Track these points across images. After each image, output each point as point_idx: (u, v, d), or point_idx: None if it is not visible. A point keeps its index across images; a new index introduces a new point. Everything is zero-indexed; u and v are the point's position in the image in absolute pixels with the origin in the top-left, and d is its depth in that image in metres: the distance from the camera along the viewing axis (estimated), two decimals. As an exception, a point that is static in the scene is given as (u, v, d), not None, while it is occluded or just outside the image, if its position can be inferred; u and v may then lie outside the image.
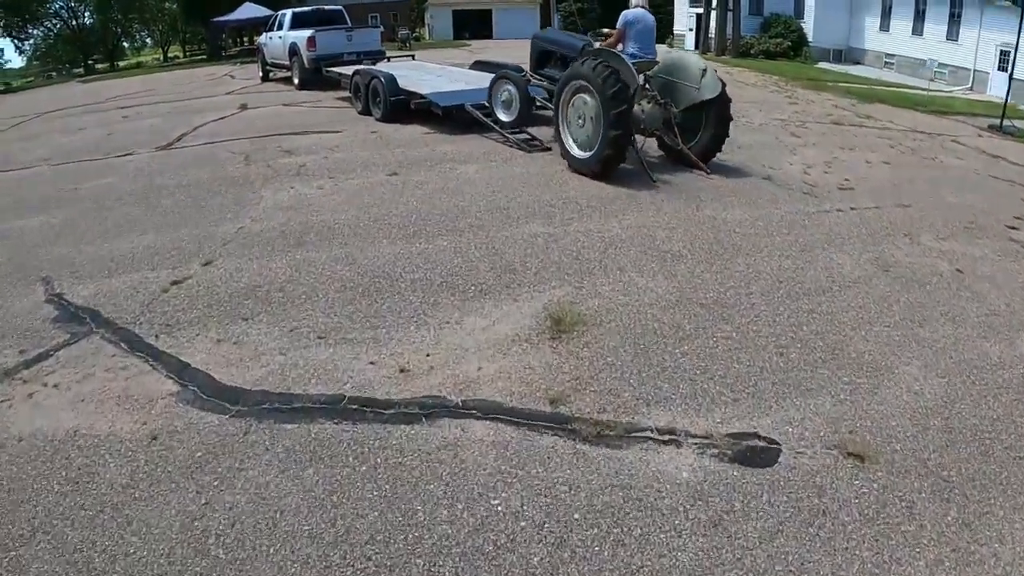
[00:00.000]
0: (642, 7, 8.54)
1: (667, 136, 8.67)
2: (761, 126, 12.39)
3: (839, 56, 32.25)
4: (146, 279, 5.68)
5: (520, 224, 6.67)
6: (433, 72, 14.02)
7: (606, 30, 9.58)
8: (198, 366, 4.31)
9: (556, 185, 7.86)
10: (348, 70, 13.92)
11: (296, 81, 17.33)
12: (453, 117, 10.91)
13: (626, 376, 4.20)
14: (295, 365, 4.29)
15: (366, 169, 8.75)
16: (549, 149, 9.23)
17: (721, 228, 6.67)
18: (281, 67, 18.72)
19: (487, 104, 10.58)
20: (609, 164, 7.90)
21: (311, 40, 16.41)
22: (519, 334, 4.65)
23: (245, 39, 40.52)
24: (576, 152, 8.33)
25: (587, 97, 7.90)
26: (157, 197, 8.05)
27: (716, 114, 8.34)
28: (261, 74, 20.37)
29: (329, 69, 15.26)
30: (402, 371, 4.20)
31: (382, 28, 20.27)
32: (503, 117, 10.37)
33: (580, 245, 6.15)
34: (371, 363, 4.30)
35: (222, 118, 13.47)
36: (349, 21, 19.25)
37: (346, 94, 14.22)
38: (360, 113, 12.67)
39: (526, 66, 10.82)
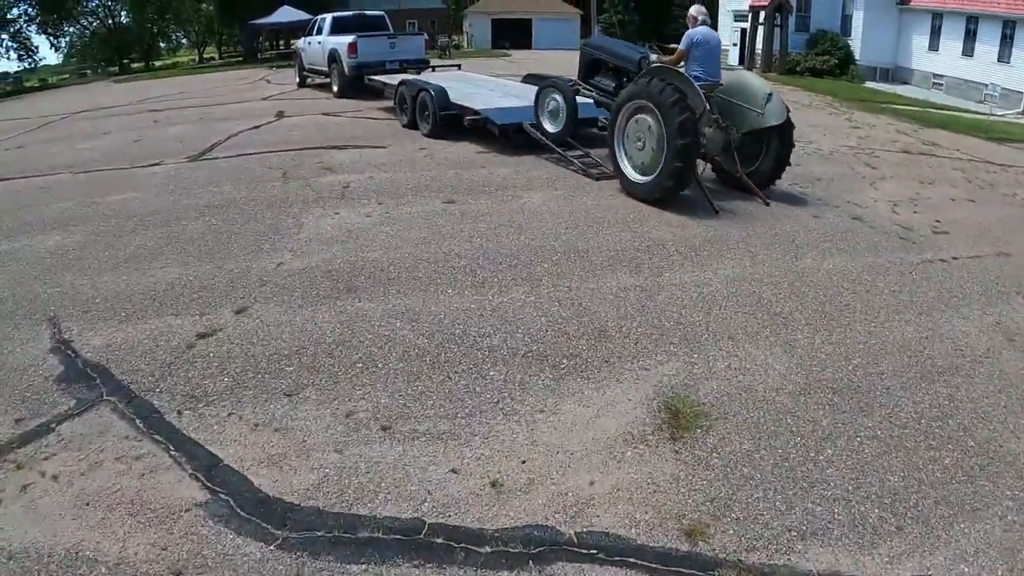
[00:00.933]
0: (707, 24, 7.89)
1: (726, 161, 8.10)
2: (832, 154, 11.54)
3: (886, 75, 31.08)
4: (168, 328, 4.83)
5: (605, 274, 5.76)
6: (484, 85, 13.11)
7: (673, 46, 8.76)
8: (231, 462, 3.44)
9: (634, 223, 6.96)
10: (393, 80, 13.05)
11: (335, 89, 16.50)
12: (506, 134, 10.04)
13: (770, 496, 3.37)
14: (356, 469, 3.40)
15: (418, 194, 7.87)
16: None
17: (827, 283, 5.92)
18: (319, 74, 17.85)
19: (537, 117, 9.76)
20: (669, 194, 7.41)
21: (352, 46, 15.57)
22: (631, 432, 3.74)
23: (281, 42, 40.13)
24: (632, 175, 7.79)
25: (649, 119, 7.34)
26: (184, 219, 7.22)
27: (779, 141, 7.85)
28: (298, 80, 19.59)
29: (372, 78, 14.41)
30: (494, 485, 3.31)
31: (425, 35, 19.38)
32: (549, 128, 9.51)
33: (679, 304, 5.25)
34: (453, 471, 3.41)
35: (257, 127, 12.66)
36: (392, 27, 18.43)
37: (387, 103, 13.43)
38: (405, 127, 11.78)
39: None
